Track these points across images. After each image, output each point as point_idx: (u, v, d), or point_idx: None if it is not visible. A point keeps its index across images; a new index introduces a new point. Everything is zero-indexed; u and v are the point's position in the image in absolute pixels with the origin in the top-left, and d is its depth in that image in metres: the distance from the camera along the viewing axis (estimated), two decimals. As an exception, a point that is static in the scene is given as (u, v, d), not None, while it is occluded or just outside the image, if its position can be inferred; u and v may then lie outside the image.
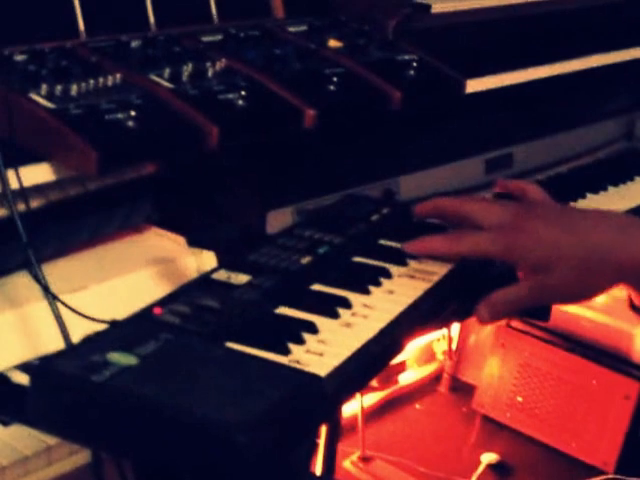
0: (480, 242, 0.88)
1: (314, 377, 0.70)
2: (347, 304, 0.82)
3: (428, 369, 2.38)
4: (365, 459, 2.09)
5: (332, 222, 1.00)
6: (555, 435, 2.10)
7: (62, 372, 0.69)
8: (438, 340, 2.35)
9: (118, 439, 0.68)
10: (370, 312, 0.81)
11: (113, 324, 0.79)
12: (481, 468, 2.05)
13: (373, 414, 2.22)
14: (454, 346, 2.33)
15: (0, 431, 0.92)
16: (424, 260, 0.91)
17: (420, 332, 0.85)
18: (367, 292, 0.85)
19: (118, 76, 1.12)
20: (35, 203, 1.09)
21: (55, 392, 0.69)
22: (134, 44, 1.22)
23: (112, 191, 1.18)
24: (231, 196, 1.27)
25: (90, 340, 0.76)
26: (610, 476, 1.99)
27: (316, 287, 0.86)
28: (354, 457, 2.09)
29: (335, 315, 0.80)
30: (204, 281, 0.86)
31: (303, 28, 1.38)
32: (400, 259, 0.91)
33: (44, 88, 1.05)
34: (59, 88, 1.06)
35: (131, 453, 0.70)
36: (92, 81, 1.09)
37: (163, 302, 0.81)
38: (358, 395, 2.07)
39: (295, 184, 1.31)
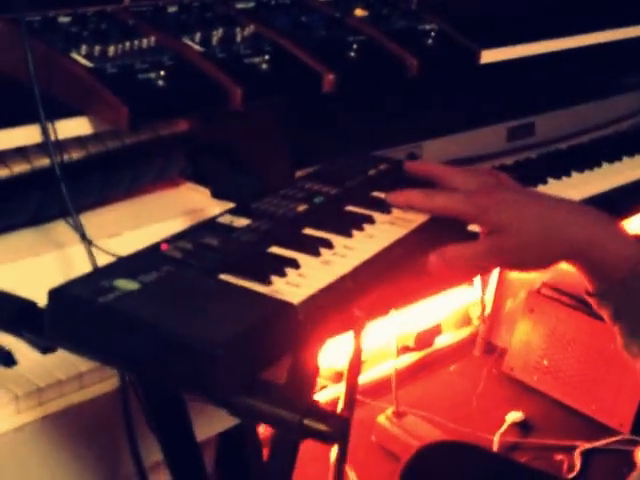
0: (452, 200, 0.97)
1: (287, 304, 0.79)
2: (330, 245, 0.90)
3: (463, 333, 2.45)
4: (398, 414, 2.18)
5: (333, 176, 1.08)
6: (577, 397, 2.16)
7: (74, 294, 0.79)
8: (474, 305, 2.42)
9: (120, 353, 0.77)
10: (349, 252, 0.89)
11: (124, 257, 0.89)
12: (505, 426, 2.13)
13: (409, 374, 2.30)
14: (487, 311, 2.39)
15: (38, 357, 1.02)
16: (408, 210, 0.98)
17: (399, 274, 0.93)
18: (350, 235, 0.93)
19: (153, 39, 1.21)
20: (75, 155, 1.20)
21: (67, 311, 0.79)
22: (171, 10, 1.31)
23: (148, 146, 1.28)
24: (257, 156, 1.36)
25: (102, 269, 0.86)
26: (625, 436, 2.05)
27: (307, 231, 0.94)
28: (388, 412, 2.18)
29: (317, 254, 0.88)
30: (210, 223, 0.95)
31: (332, -3, 1.45)
32: (386, 208, 0.99)
33: (84, 48, 1.14)
34: (97, 49, 1.15)
35: (130, 366, 0.79)
36: (128, 43, 1.18)
37: (170, 239, 0.90)
38: (394, 355, 2.16)
39: (319, 147, 1.37)
